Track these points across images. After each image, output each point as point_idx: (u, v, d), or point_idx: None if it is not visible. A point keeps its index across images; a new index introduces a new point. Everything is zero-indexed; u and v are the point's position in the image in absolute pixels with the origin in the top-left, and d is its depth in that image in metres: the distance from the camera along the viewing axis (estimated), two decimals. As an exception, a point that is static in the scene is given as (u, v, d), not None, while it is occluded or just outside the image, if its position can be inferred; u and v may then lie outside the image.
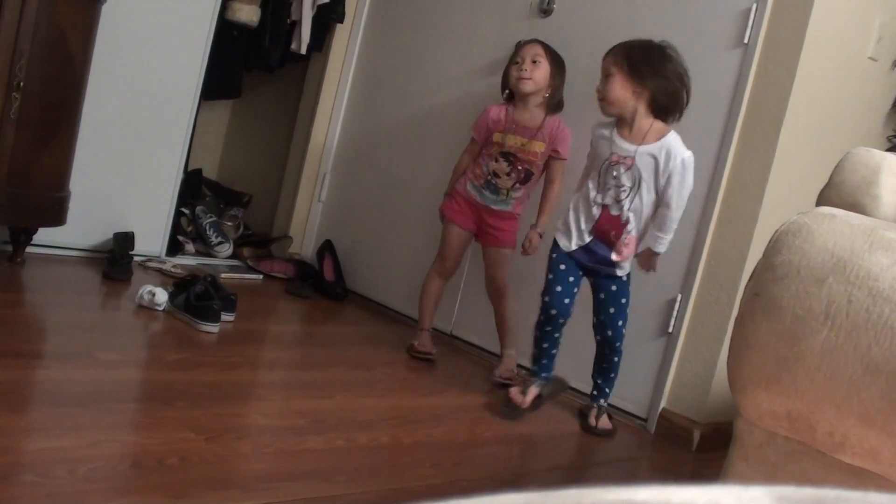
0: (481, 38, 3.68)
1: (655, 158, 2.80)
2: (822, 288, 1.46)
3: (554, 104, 3.28)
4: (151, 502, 1.79)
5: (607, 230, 2.86)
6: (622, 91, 2.80)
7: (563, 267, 2.90)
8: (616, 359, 2.97)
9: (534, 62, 3.22)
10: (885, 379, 1.37)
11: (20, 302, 3.00)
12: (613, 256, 2.85)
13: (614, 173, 2.82)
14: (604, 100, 2.84)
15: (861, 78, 3.14)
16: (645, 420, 3.09)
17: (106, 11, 3.24)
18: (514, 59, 3.28)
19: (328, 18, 4.06)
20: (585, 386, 3.18)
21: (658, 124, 2.83)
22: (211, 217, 4.06)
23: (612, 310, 2.92)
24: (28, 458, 1.84)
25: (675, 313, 3.04)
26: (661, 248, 2.86)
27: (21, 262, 3.24)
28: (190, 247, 3.93)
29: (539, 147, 3.24)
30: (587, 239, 2.89)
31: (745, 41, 2.96)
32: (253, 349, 3.08)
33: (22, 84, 2.92)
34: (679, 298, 3.04)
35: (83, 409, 2.12)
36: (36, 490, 1.75)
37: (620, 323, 2.93)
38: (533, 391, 2.89)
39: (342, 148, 4.16)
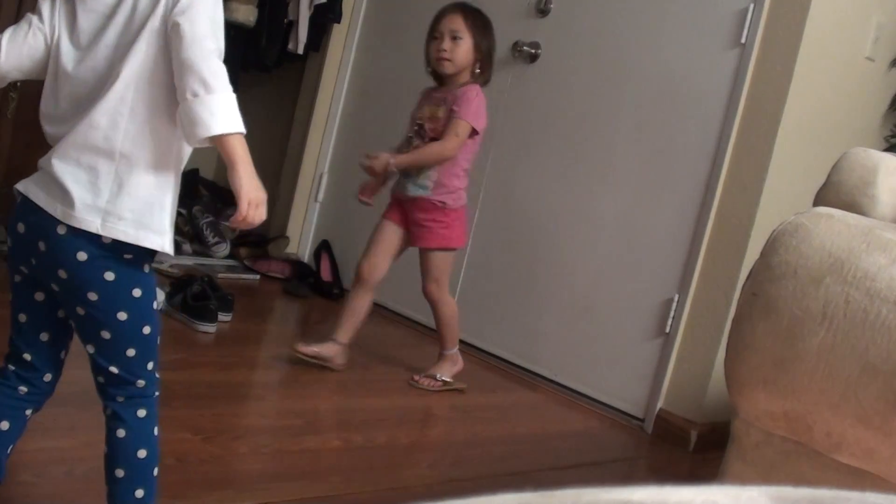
0: (479, 38, 3.67)
1: None
2: (820, 288, 1.46)
3: (484, 80, 2.95)
4: (148, 502, 1.79)
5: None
6: None
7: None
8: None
9: (453, 39, 2.89)
10: (883, 379, 1.38)
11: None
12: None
13: None
14: None
15: (858, 78, 3.14)
16: (642, 420, 3.09)
17: (103, 11, 3.23)
18: (433, 32, 2.97)
19: (325, 18, 4.05)
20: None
21: None
22: (208, 217, 4.05)
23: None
24: (25, 458, 1.84)
25: (672, 313, 3.04)
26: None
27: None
28: (187, 247, 3.93)
29: (442, 112, 2.89)
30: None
31: (742, 41, 2.96)
32: (250, 349, 3.08)
33: (19, 84, 2.92)
34: (676, 298, 3.04)
35: (80, 410, 2.12)
36: (33, 490, 1.75)
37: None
38: None
39: (339, 148, 4.15)
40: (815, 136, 3.02)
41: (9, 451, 1.56)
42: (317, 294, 3.86)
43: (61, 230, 1.42)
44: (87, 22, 1.48)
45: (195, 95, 1.43)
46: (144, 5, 1.46)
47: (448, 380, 3.00)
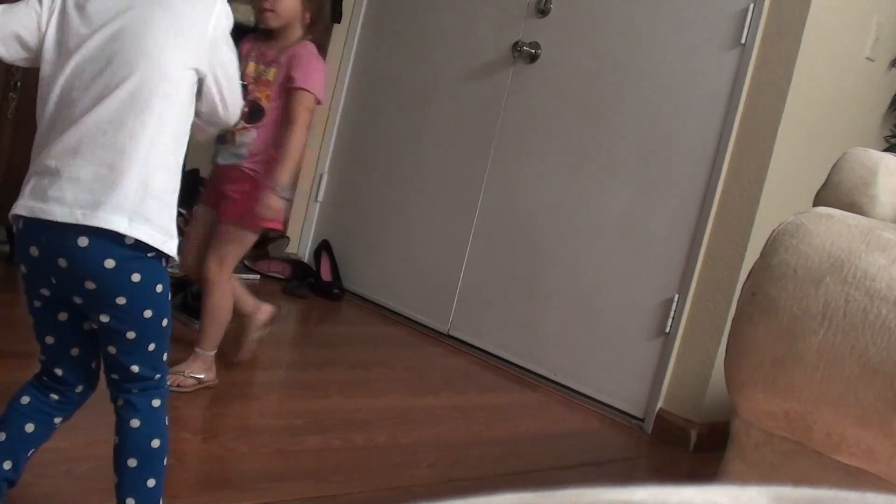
0: (478, 37, 3.68)
1: None
2: (820, 288, 1.46)
3: (317, 32, 2.62)
4: (148, 502, 1.79)
5: None
6: None
7: None
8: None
9: None
10: (883, 379, 1.38)
11: (18, 302, 3.00)
12: None
13: None
14: None
15: (858, 78, 3.14)
16: (642, 420, 3.09)
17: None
18: None
19: (325, 18, 4.06)
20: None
21: None
22: (208, 217, 4.05)
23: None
24: (25, 459, 1.84)
25: (672, 313, 3.04)
26: None
27: (18, 263, 3.24)
28: (187, 247, 3.93)
29: (271, 74, 2.53)
30: None
31: (742, 41, 2.96)
32: (250, 349, 3.08)
33: (19, 84, 2.92)
34: (676, 298, 3.04)
35: (80, 410, 2.12)
36: (33, 490, 1.75)
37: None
38: None
39: (339, 148, 4.15)
40: (815, 136, 3.02)
41: (29, 455, 1.56)
42: (317, 294, 3.86)
43: (82, 242, 1.40)
44: (100, 4, 1.47)
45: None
46: None
47: (201, 377, 2.50)
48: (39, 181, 1.45)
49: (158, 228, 1.44)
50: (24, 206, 1.44)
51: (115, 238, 1.40)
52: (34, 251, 1.45)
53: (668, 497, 0.34)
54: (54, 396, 1.56)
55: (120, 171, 1.41)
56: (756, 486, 0.36)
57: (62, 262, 1.43)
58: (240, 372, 2.77)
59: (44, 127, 1.49)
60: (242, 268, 3.91)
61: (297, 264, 4.00)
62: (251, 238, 2.57)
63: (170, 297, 1.53)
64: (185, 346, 2.81)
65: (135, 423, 1.52)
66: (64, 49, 1.47)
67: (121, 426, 1.53)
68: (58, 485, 1.80)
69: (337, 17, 4.09)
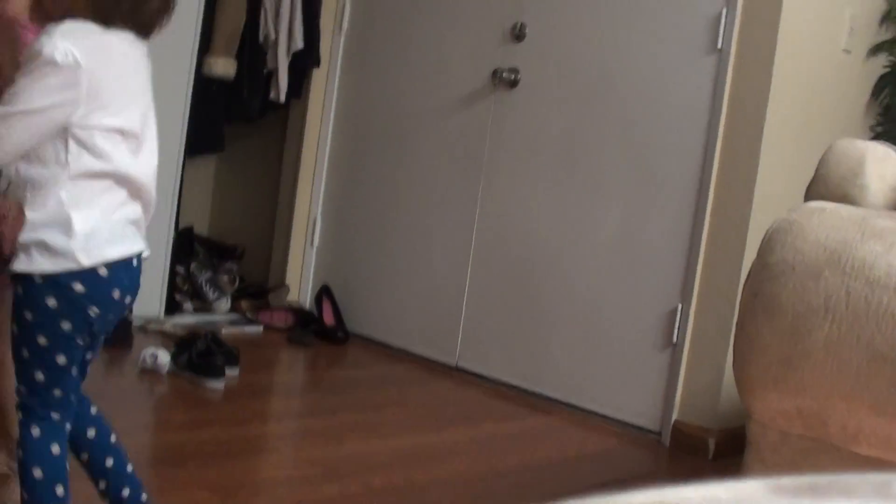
0: (456, 68, 3.70)
1: None
2: (819, 282, 1.46)
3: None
4: (170, 565, 1.78)
5: None
6: None
7: None
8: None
9: None
10: (892, 366, 1.37)
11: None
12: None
13: None
14: None
15: (837, 71, 3.15)
16: (658, 433, 3.07)
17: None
18: None
19: (304, 64, 4.07)
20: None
21: None
22: (206, 273, 4.05)
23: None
24: None
25: (677, 323, 3.03)
26: None
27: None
28: (188, 305, 3.92)
29: None
30: None
31: (719, 47, 2.97)
32: (260, 402, 3.07)
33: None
34: (680, 308, 3.03)
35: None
36: None
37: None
38: None
39: (330, 190, 4.16)
40: (800, 133, 3.02)
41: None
42: (321, 340, 3.84)
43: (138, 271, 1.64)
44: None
45: None
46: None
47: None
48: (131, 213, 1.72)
49: None
50: (112, 246, 1.61)
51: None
52: (116, 294, 1.61)
53: (667, 497, 0.33)
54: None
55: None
56: (755, 479, 0.35)
57: (128, 299, 1.65)
58: (252, 426, 2.76)
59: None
60: (245, 321, 3.90)
61: (299, 312, 4.00)
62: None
63: None
64: (193, 404, 2.80)
65: (18, 453, 1.60)
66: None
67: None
68: None
69: (315, 61, 4.11)
